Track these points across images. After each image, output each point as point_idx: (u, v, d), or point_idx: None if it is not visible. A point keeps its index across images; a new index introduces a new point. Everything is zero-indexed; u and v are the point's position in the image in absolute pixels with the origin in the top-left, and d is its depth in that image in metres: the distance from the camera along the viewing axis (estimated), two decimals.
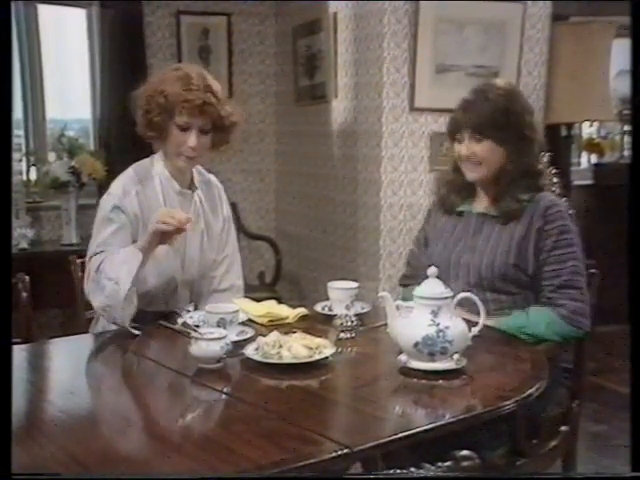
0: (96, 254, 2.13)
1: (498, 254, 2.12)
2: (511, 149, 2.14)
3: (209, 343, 1.74)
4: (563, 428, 2.12)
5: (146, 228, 2.16)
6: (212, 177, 2.44)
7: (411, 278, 2.33)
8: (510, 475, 1.87)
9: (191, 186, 2.33)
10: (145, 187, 2.24)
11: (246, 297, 2.38)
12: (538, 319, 2.03)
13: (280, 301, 2.39)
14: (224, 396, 1.69)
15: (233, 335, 1.89)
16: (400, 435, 1.42)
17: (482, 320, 1.78)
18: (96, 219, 2.23)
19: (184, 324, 2.05)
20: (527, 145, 2.16)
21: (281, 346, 1.77)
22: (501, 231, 2.15)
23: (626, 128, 5.32)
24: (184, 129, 2.18)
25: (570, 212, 2.17)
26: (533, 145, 2.18)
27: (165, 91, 2.17)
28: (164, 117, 2.18)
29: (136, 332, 2.03)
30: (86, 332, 2.27)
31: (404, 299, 2.02)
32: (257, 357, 1.77)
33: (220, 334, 1.77)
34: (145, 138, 2.30)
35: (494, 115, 2.12)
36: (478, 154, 2.14)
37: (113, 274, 2.03)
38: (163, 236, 2.05)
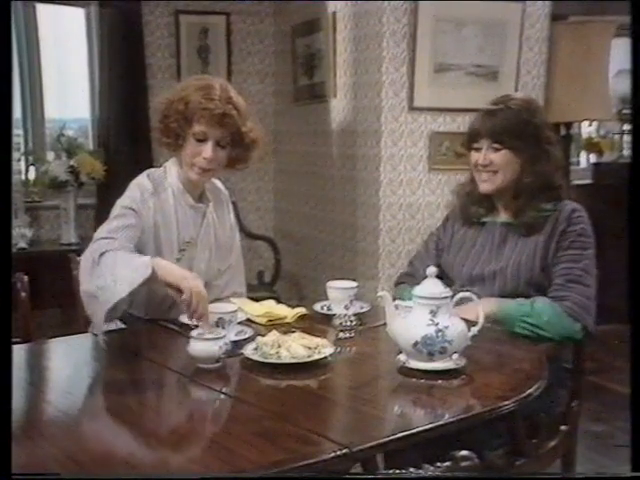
0: (105, 238, 2.05)
1: (524, 258, 2.14)
2: (527, 161, 2.16)
3: (208, 343, 1.74)
4: (562, 428, 2.12)
5: (157, 240, 2.15)
6: (219, 184, 2.40)
7: (409, 277, 2.33)
8: (510, 475, 1.87)
9: (203, 198, 2.28)
10: (160, 199, 2.19)
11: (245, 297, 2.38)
12: (542, 310, 2.04)
13: (279, 301, 2.39)
14: (223, 396, 1.68)
15: (232, 335, 1.89)
16: (399, 435, 1.42)
17: (481, 320, 1.78)
18: (111, 214, 2.15)
19: (183, 324, 2.05)
20: (543, 158, 2.17)
21: (280, 346, 1.76)
22: (526, 238, 2.17)
23: (625, 127, 5.32)
24: (200, 140, 2.13)
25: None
26: (549, 158, 2.18)
27: (185, 98, 2.12)
28: (181, 124, 2.13)
29: (100, 337, 1.97)
30: (85, 332, 2.26)
31: (398, 297, 2.02)
32: (256, 357, 1.76)
33: (219, 334, 1.76)
34: (160, 145, 2.26)
35: (515, 125, 2.15)
36: (495, 163, 2.16)
37: (117, 271, 1.93)
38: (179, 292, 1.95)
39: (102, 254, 1.97)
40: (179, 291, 1.92)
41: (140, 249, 2.10)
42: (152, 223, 2.16)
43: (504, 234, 2.22)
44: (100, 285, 1.93)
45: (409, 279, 2.32)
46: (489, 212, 2.28)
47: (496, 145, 2.16)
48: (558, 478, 2.15)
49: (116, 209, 2.15)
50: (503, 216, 2.25)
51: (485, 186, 2.21)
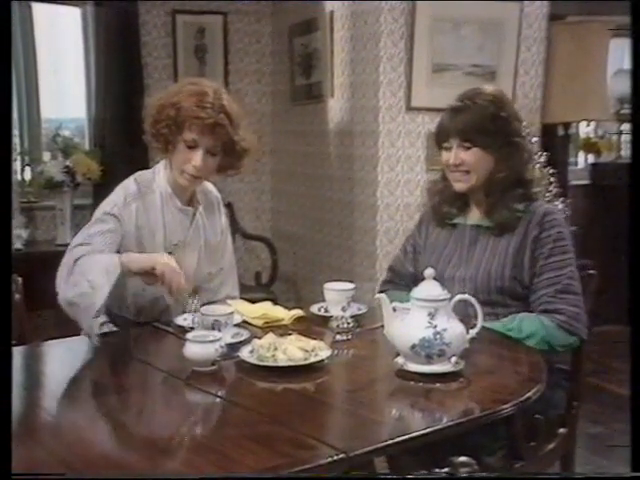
0: (81, 245, 2.05)
1: (494, 266, 2.09)
2: (500, 156, 2.11)
3: (203, 345, 1.72)
4: (561, 430, 2.11)
5: (140, 244, 2.13)
6: (211, 186, 2.37)
7: (390, 284, 2.31)
8: (510, 475, 1.86)
9: (193, 201, 2.27)
10: (145, 202, 2.17)
11: (242, 298, 2.37)
12: (531, 331, 1.98)
13: (276, 302, 2.37)
14: (218, 399, 1.67)
15: (228, 337, 1.87)
16: (397, 439, 1.40)
17: (480, 322, 1.76)
18: (92, 217, 2.16)
19: (178, 326, 2.03)
20: (515, 152, 2.13)
21: (276, 348, 1.75)
22: (497, 242, 2.12)
23: (623, 128, 5.31)
24: (191, 147, 2.11)
25: (565, 219, 2.14)
26: (522, 152, 2.15)
27: (178, 104, 2.09)
28: (172, 130, 2.11)
29: (95, 342, 1.98)
30: (80, 334, 2.25)
31: None
32: (252, 360, 1.75)
33: (215, 336, 1.75)
34: (151, 148, 2.25)
35: (482, 122, 2.10)
36: (467, 162, 2.12)
37: (91, 276, 1.95)
38: (151, 276, 2.01)
39: (76, 261, 1.99)
40: (151, 275, 1.97)
41: (120, 249, 2.10)
42: (134, 227, 2.14)
43: (474, 237, 2.17)
44: (78, 292, 1.96)
45: (390, 286, 2.30)
46: (461, 211, 2.23)
47: (466, 144, 2.11)
48: (558, 478, 2.15)
49: (97, 214, 2.15)
50: (474, 217, 2.20)
51: (459, 186, 2.16)
